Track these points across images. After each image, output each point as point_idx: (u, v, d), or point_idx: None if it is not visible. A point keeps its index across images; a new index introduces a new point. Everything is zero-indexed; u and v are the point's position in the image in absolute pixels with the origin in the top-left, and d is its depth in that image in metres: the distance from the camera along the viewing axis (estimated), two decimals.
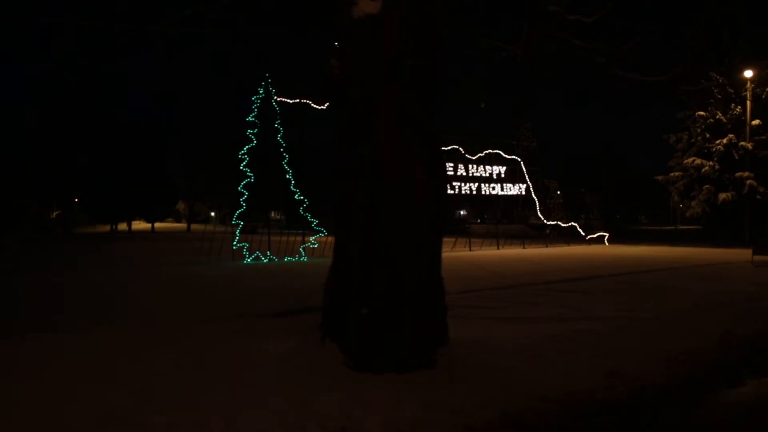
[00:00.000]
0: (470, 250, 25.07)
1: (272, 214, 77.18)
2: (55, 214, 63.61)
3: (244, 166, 19.49)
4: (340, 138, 5.64)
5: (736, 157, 33.21)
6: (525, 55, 8.04)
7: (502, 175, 27.22)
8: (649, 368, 5.37)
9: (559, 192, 29.52)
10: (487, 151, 26.87)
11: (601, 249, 26.07)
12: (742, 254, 19.81)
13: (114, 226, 59.34)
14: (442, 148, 23.39)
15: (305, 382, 4.76)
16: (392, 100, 5.25)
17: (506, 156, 27.75)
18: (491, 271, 14.63)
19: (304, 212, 21.30)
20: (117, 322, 7.39)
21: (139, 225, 68.08)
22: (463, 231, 44.19)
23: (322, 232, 21.58)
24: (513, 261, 18.40)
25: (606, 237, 30.87)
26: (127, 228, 59.52)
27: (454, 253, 23.15)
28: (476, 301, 9.32)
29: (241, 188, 19.67)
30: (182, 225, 78.45)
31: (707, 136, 34.64)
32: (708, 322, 7.55)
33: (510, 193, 27.63)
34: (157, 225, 66.57)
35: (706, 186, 34.22)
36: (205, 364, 5.29)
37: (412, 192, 5.28)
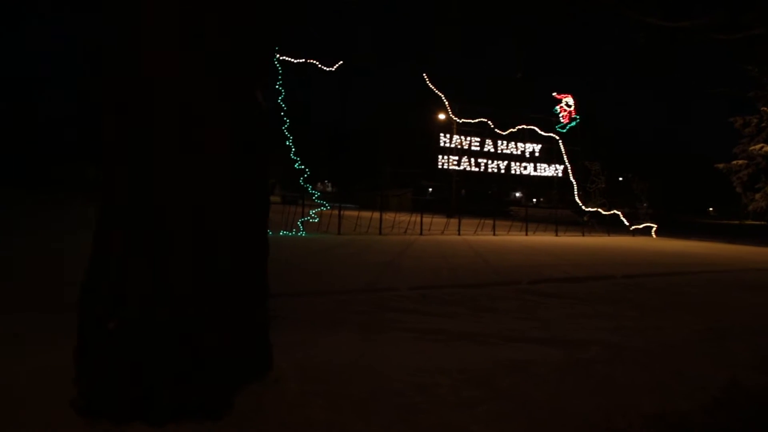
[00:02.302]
0: (494, 234, 22.76)
1: (319, 185, 76.75)
2: None
3: None
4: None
5: None
6: None
7: (536, 154, 24.51)
8: None
9: (602, 176, 26.57)
10: (520, 127, 24.23)
11: (643, 242, 23.19)
12: None
13: None
14: (469, 121, 21.09)
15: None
16: None
17: (542, 133, 24.99)
18: (484, 261, 12.45)
19: (305, 182, 19.55)
20: None
21: None
22: (506, 213, 41.73)
23: (325, 205, 19.83)
24: (526, 250, 16.07)
25: (653, 229, 27.77)
26: None
27: (470, 236, 20.94)
28: (419, 302, 7.28)
29: None
30: None
31: None
32: (716, 359, 5.28)
33: (544, 174, 24.91)
34: None
35: None
36: None
37: (200, 135, 3.32)
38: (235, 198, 3.42)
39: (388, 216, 26.97)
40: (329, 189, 74.70)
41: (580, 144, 25.81)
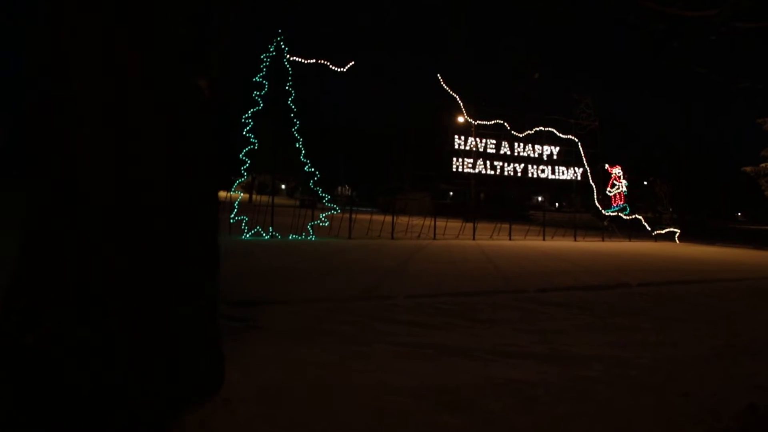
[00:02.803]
0: (510, 239, 22.18)
1: (339, 189, 76.51)
2: None
3: (248, 132, 17.58)
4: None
5: None
6: None
7: (554, 157, 23.86)
8: None
9: (623, 179, 25.80)
10: (538, 128, 23.62)
11: (665, 248, 22.39)
12: None
13: None
14: (485, 123, 20.57)
15: None
16: None
17: (561, 135, 24.34)
18: (494, 267, 11.94)
19: (315, 185, 19.22)
20: None
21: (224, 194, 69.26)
22: (525, 217, 40.97)
23: (335, 209, 19.48)
24: (540, 256, 15.51)
25: (677, 234, 26.89)
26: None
27: (484, 241, 20.40)
28: (414, 311, 6.84)
29: (243, 156, 17.81)
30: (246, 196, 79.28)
31: None
32: (733, 379, 4.75)
33: (562, 177, 24.23)
34: (222, 194, 67.19)
35: None
36: None
37: (122, 126, 2.93)
38: (172, 198, 3.04)
39: (402, 220, 26.57)
40: (349, 193, 74.54)
41: (601, 146, 25.09)
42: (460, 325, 6.35)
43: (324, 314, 6.52)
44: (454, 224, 24.15)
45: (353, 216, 21.53)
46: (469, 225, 28.58)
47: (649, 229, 26.87)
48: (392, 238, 19.61)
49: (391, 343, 5.38)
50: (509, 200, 40.56)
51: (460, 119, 22.17)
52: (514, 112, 23.40)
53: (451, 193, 58.71)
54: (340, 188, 76.85)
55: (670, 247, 22.68)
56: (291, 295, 7.52)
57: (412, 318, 6.51)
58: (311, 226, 18.36)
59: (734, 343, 6.04)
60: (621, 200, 25.86)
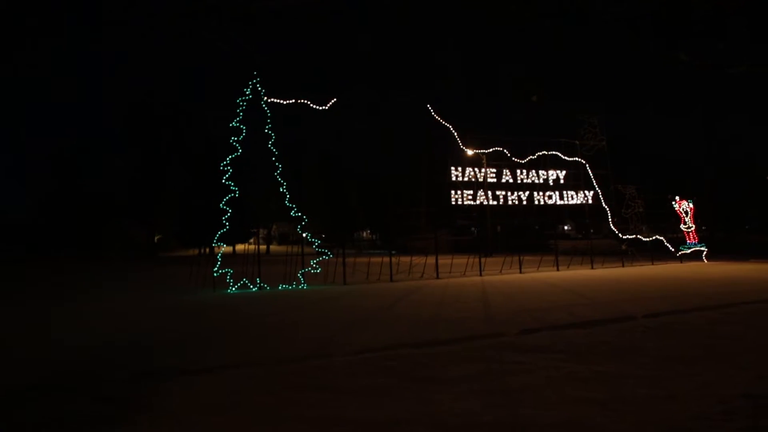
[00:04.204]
0: (520, 272, 20.69)
1: (363, 234, 75.40)
2: (156, 238, 66.03)
3: (227, 179, 16.71)
4: None
5: None
6: None
7: (561, 181, 22.49)
8: None
9: (638, 199, 24.29)
10: (541, 153, 22.37)
11: (690, 269, 20.65)
12: None
13: (202, 250, 59.64)
14: (482, 151, 19.45)
15: None
16: None
17: (566, 158, 23.02)
18: (484, 307, 10.58)
19: (303, 230, 18.17)
20: None
21: (229, 248, 68.87)
22: (545, 247, 39.24)
23: (327, 254, 18.33)
24: (545, 289, 14.04)
25: (704, 252, 25.03)
26: (208, 251, 60.21)
27: (492, 276, 18.96)
28: (350, 371, 5.59)
29: (224, 205, 16.90)
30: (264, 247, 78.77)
31: None
32: None
33: (572, 202, 22.77)
34: (238, 247, 66.71)
35: None
36: None
37: None
38: None
39: (418, 260, 25.28)
40: (371, 237, 73.58)
41: (611, 167, 23.68)
42: (395, 386, 5.08)
43: (245, 383, 5.35)
44: (461, 260, 22.78)
45: (355, 260, 20.45)
46: (483, 260, 27.32)
47: (672, 249, 25.10)
48: (391, 280, 18.33)
49: (295, 419, 4.16)
50: (529, 231, 38.89)
51: (454, 150, 21.01)
52: (514, 138, 22.22)
53: (474, 229, 57.09)
54: (363, 232, 75.81)
55: (695, 268, 20.91)
56: (220, 361, 6.38)
57: (341, 382, 5.27)
58: (302, 274, 17.22)
59: (755, 392, 4.65)
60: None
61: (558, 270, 21.45)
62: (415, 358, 6.15)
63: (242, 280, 16.80)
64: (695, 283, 14.44)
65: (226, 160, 16.77)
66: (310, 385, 5.25)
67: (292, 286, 16.94)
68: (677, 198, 25.53)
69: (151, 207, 56.18)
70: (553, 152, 22.67)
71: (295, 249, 18.83)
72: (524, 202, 21.59)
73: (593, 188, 23.36)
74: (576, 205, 22.96)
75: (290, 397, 4.88)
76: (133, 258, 47.39)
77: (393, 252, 20.67)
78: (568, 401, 4.55)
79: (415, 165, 48.52)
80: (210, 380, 5.56)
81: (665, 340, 6.93)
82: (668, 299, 11.04)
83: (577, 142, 23.37)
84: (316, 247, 18.28)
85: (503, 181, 21.19)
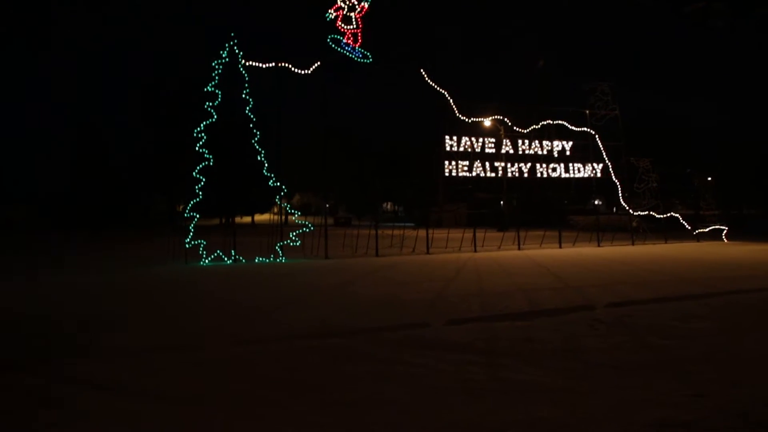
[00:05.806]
0: (519, 249, 19.46)
1: (386, 206, 74.36)
2: (180, 208, 66.47)
3: (201, 147, 15.83)
4: None
5: None
6: None
7: (567, 153, 20.99)
8: None
9: (652, 173, 22.68)
10: (545, 122, 20.85)
11: (704, 248, 19.13)
12: None
13: (224, 220, 59.60)
14: (480, 119, 18.09)
15: None
16: None
17: (574, 128, 21.45)
18: (442, 288, 9.51)
19: (281, 201, 17.27)
20: None
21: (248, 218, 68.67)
22: (566, 223, 37.67)
23: (307, 227, 17.39)
24: (531, 268, 12.88)
25: (724, 231, 23.33)
26: (233, 221, 60.18)
27: (487, 253, 17.77)
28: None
29: (197, 174, 16.04)
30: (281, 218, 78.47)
31: None
32: None
33: (579, 175, 21.28)
34: (258, 218, 66.41)
35: None
36: None
37: None
38: None
39: (410, 233, 24.24)
40: (394, 209, 72.59)
41: (622, 138, 22.05)
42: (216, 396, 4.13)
43: (153, 366, 4.47)
44: (469, 235, 21.48)
45: (358, 232, 19.45)
46: (500, 234, 26.32)
47: (689, 228, 23.47)
48: (377, 254, 17.34)
49: None
50: (548, 205, 37.17)
51: (449, 117, 19.63)
52: (516, 105, 20.74)
53: (501, 203, 55.38)
54: (386, 204, 74.68)
55: (709, 248, 19.37)
56: (170, 341, 5.54)
57: (163, 381, 4.33)
58: (280, 247, 16.36)
59: (676, 418, 3.54)
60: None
61: (561, 248, 20.14)
62: (298, 353, 5.18)
63: (216, 252, 16.04)
64: (695, 266, 13.09)
65: (200, 126, 15.85)
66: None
67: (269, 259, 16.12)
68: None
69: (171, 178, 55.97)
70: (560, 122, 21.13)
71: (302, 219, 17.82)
72: (525, 175, 20.24)
73: (603, 161, 21.81)
74: (583, 178, 21.50)
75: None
76: (153, 228, 47.40)
77: (411, 224, 19.61)
78: (430, 427, 3.53)
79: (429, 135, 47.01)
80: (137, 362, 4.71)
81: (612, 339, 5.80)
82: (650, 285, 9.80)
83: (587, 112, 21.76)
84: (297, 219, 17.37)
85: (503, 151, 19.85)
